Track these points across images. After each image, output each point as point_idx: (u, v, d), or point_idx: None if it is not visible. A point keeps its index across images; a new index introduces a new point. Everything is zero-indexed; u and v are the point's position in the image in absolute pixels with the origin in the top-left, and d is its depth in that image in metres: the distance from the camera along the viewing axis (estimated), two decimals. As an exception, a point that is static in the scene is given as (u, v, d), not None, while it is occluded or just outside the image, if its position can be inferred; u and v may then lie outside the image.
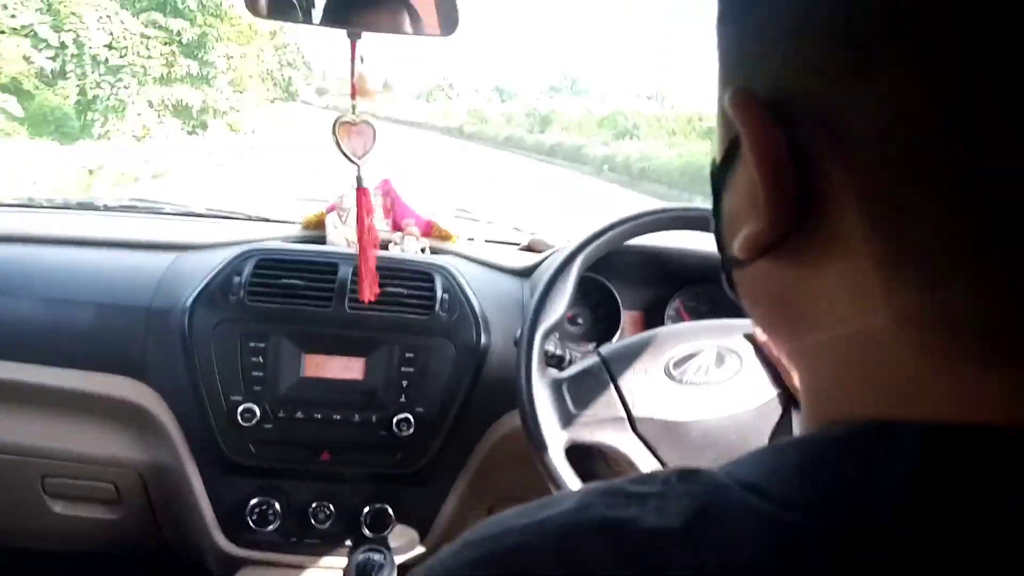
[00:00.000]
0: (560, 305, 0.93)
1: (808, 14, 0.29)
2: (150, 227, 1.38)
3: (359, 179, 1.13)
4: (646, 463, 0.88)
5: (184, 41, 15.11)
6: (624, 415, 0.89)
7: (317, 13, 1.01)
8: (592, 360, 0.94)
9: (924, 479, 0.25)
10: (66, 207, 1.52)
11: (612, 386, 0.91)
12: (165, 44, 14.78)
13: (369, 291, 1.11)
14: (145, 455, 1.21)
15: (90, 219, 1.41)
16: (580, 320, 1.32)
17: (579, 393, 0.91)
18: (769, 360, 0.91)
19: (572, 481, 0.86)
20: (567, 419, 0.89)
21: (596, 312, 1.32)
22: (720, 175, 0.35)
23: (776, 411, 0.91)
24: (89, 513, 1.28)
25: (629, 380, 0.91)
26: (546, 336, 0.93)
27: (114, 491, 1.25)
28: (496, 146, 26.16)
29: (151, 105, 14.65)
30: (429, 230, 1.46)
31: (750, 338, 0.93)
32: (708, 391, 0.91)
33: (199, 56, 15.51)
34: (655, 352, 0.93)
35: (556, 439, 0.88)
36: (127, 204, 1.51)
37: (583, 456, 0.91)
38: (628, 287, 1.30)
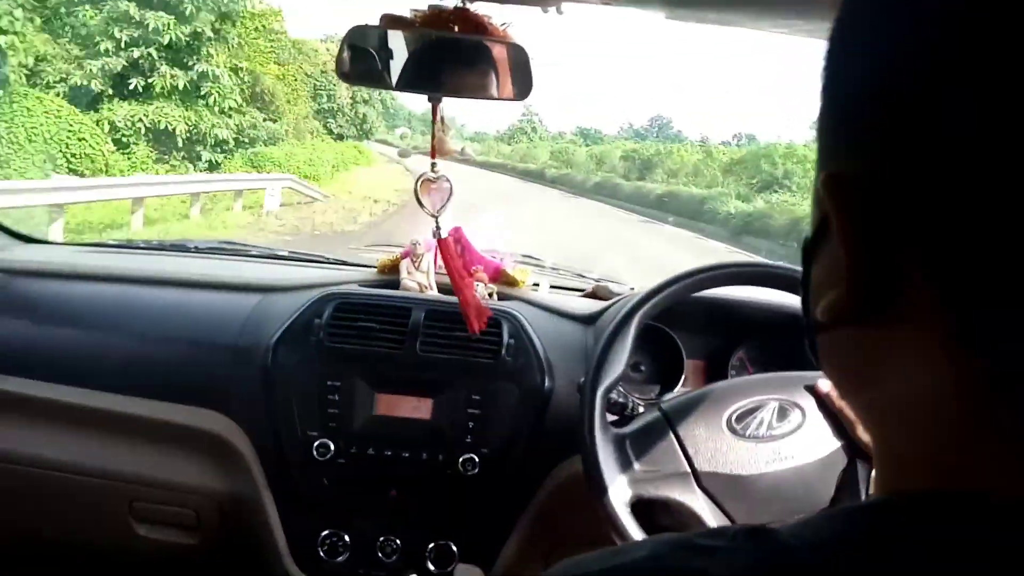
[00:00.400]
0: (621, 359, 0.96)
1: (888, 116, 0.31)
2: (237, 269, 1.48)
3: (437, 232, 1.21)
4: (712, 517, 0.89)
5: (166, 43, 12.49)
6: (688, 470, 0.91)
7: (401, 80, 1.10)
8: (654, 415, 0.97)
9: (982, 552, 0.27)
10: (160, 248, 1.64)
11: (675, 441, 0.93)
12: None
13: (476, 323, 1.17)
14: (225, 485, 1.28)
15: (182, 260, 1.52)
16: (643, 367, 1.35)
17: (642, 448, 0.93)
18: (832, 411, 0.92)
19: (636, 535, 0.88)
20: (631, 475, 0.92)
21: (658, 360, 1.34)
22: (811, 247, 0.38)
23: (841, 462, 0.92)
24: (171, 537, 1.36)
25: (692, 435, 0.93)
26: (608, 391, 0.96)
27: (194, 518, 1.32)
28: (583, 192, 23.33)
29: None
30: (497, 276, 1.51)
31: (811, 390, 0.95)
32: (771, 445, 0.92)
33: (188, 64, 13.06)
34: (716, 406, 0.95)
35: (620, 495, 0.90)
36: (216, 246, 1.63)
37: (647, 509, 0.93)
38: (691, 336, 1.32)
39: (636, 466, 0.93)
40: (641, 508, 0.92)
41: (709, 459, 0.91)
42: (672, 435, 0.94)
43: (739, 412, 0.95)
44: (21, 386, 1.29)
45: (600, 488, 0.91)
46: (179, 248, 1.62)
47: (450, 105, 1.13)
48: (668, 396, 1.12)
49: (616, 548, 0.37)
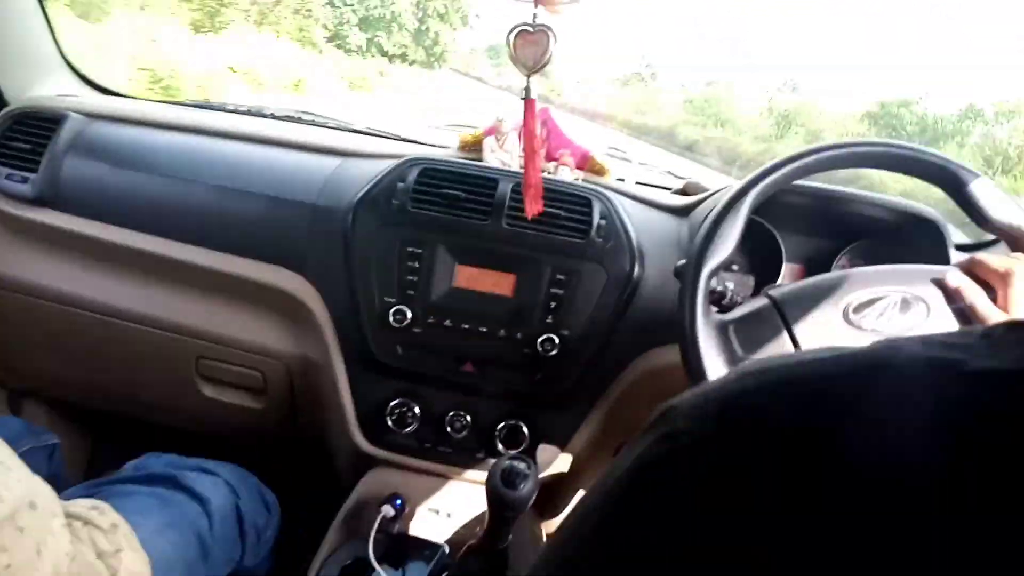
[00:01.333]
0: (729, 242, 0.88)
1: None
2: (316, 134, 1.42)
3: (527, 90, 1.11)
4: None
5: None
6: None
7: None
8: (762, 302, 0.89)
9: None
10: (236, 111, 1.59)
11: (785, 330, 0.85)
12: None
13: (532, 206, 1.10)
14: (295, 347, 1.26)
15: (261, 122, 1.47)
16: (735, 266, 1.26)
17: (748, 336, 0.86)
18: (961, 308, 0.83)
19: None
20: (734, 363, 0.84)
21: (753, 259, 1.26)
22: None
23: None
24: (236, 400, 1.35)
25: (804, 324, 0.85)
26: (713, 273, 0.88)
27: (261, 380, 1.31)
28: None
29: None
30: (583, 163, 1.43)
31: (939, 284, 0.85)
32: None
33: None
34: (832, 296, 0.87)
35: None
36: (293, 114, 1.57)
37: None
38: (791, 236, 1.22)
39: (740, 353, 0.85)
40: None
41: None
42: (782, 323, 0.86)
43: (857, 303, 0.86)
44: (95, 229, 1.28)
45: (700, 375, 0.84)
46: (255, 112, 1.57)
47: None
48: (774, 285, 1.03)
49: (835, 347, 0.31)
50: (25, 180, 1.29)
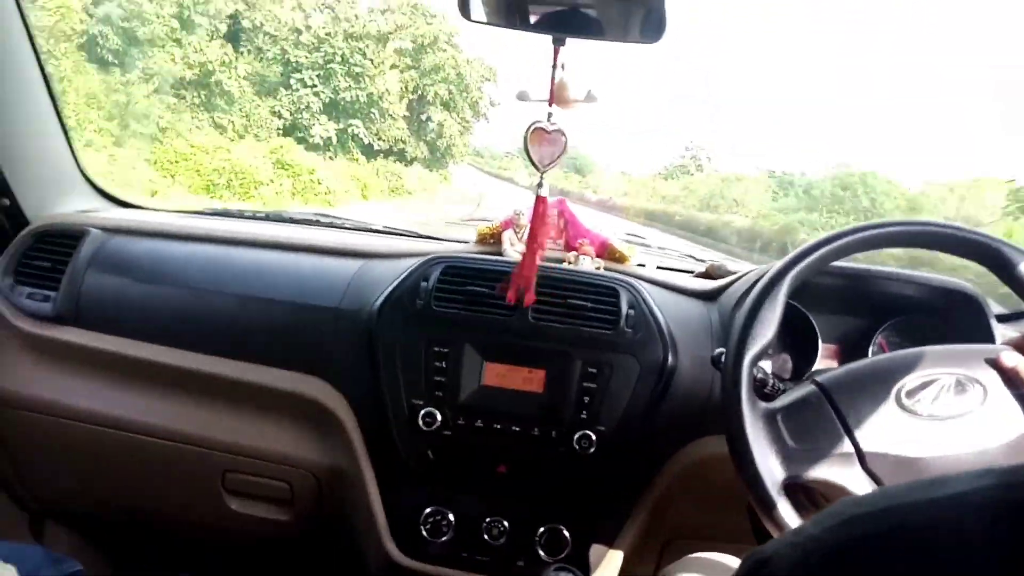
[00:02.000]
0: (770, 328, 0.85)
1: None
2: (335, 236, 1.43)
3: (540, 186, 1.12)
4: None
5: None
6: (852, 450, 0.79)
7: (524, 18, 1.02)
8: (808, 388, 0.85)
9: None
10: (255, 217, 1.60)
11: (835, 417, 0.81)
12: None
13: (515, 293, 1.08)
14: (322, 456, 1.22)
15: (279, 228, 1.48)
16: (770, 350, 1.23)
17: (797, 425, 0.82)
18: (1020, 388, 0.79)
19: (792, 521, 0.77)
20: (785, 453, 0.80)
21: (787, 341, 1.22)
22: None
23: None
24: (263, 512, 1.30)
25: (855, 410, 0.81)
26: (756, 361, 0.85)
27: (288, 491, 1.26)
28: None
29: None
30: (603, 251, 1.42)
31: (994, 364, 0.82)
32: (949, 424, 0.80)
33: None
34: (883, 379, 0.83)
35: (773, 474, 0.79)
36: (311, 217, 1.58)
37: (799, 493, 0.82)
38: (824, 316, 1.20)
39: (790, 443, 0.81)
40: (793, 492, 0.80)
41: (876, 438, 0.79)
42: (832, 410, 0.82)
43: (910, 387, 0.82)
44: (117, 345, 1.26)
45: (750, 466, 0.79)
46: (275, 217, 1.58)
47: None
48: (819, 370, 0.99)
49: (937, 478, 0.29)
50: (47, 299, 1.29)
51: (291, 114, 15.44)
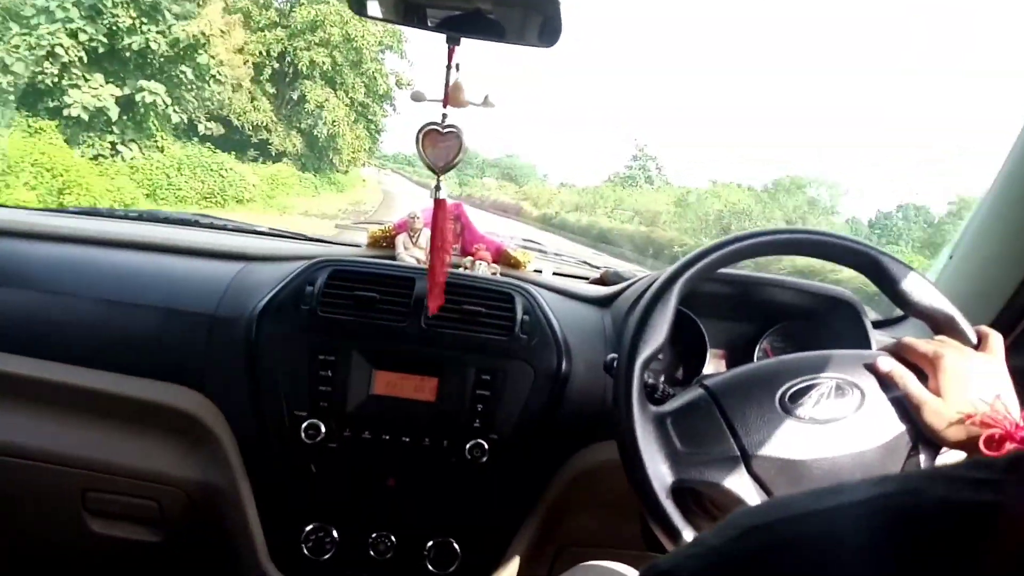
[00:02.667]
0: (661, 331, 0.85)
1: None
2: (215, 238, 1.34)
3: (437, 189, 1.08)
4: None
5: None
6: (738, 453, 0.80)
7: (416, 15, 0.99)
8: (697, 392, 0.86)
9: None
10: (126, 217, 1.49)
11: (723, 421, 0.82)
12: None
13: (435, 301, 1.05)
14: (195, 472, 1.14)
15: (153, 228, 1.38)
16: (660, 356, 1.24)
17: (686, 428, 0.82)
18: (896, 392, 0.83)
19: (679, 523, 0.77)
20: (674, 457, 0.80)
21: (676, 348, 1.24)
22: None
23: (905, 447, 0.82)
24: (128, 534, 1.20)
25: (741, 414, 0.82)
26: (647, 363, 0.85)
27: (157, 510, 1.17)
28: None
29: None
30: (499, 257, 1.40)
31: (871, 369, 0.85)
32: (829, 427, 0.82)
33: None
34: (767, 384, 0.85)
35: (662, 478, 0.79)
36: (189, 217, 1.48)
37: (687, 495, 0.82)
38: (712, 323, 1.22)
39: (679, 447, 0.81)
40: (681, 495, 0.80)
41: (761, 442, 0.80)
42: (719, 414, 0.83)
43: (793, 390, 0.84)
44: None
45: (639, 469, 0.79)
46: (149, 217, 1.47)
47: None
48: (707, 375, 1.01)
49: (834, 486, 0.28)
50: None
51: (27, 66, 9.25)
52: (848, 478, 0.79)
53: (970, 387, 0.77)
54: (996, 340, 0.83)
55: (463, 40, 0.99)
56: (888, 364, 0.82)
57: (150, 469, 1.15)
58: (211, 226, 1.46)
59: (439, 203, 1.09)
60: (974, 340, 0.83)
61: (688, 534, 0.77)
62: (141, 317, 1.13)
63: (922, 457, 0.82)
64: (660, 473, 0.79)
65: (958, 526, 0.24)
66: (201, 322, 1.12)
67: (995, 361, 0.81)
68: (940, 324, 0.85)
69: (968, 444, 0.75)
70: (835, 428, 0.82)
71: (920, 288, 0.85)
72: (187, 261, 1.23)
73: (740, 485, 0.79)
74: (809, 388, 0.84)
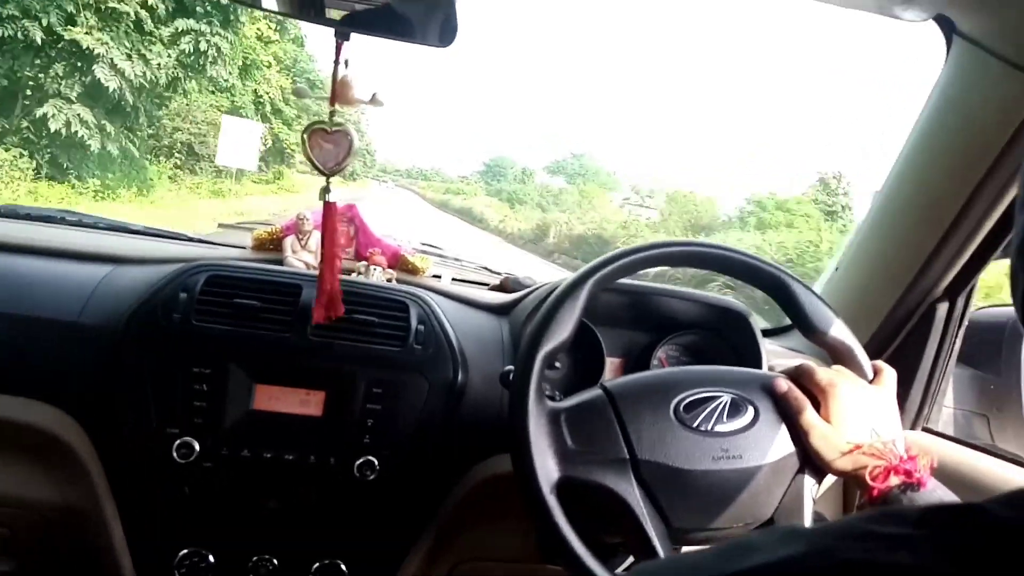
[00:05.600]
0: (566, 328, 0.83)
1: None
2: (82, 238, 1.22)
3: (325, 191, 1.02)
4: (645, 510, 0.78)
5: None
6: (627, 456, 0.79)
7: (318, 10, 0.93)
8: (595, 393, 0.85)
9: None
10: None
11: (616, 423, 0.81)
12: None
13: (321, 311, 0.99)
14: (52, 494, 1.03)
15: (11, 226, 1.25)
16: (557, 364, 1.23)
17: (579, 427, 0.81)
18: (789, 416, 0.84)
19: (561, 520, 0.76)
20: (563, 453, 0.79)
21: (575, 356, 1.23)
22: None
23: (792, 469, 0.83)
24: None
25: (635, 418, 0.81)
26: (548, 360, 0.83)
27: (8, 536, 1.06)
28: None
29: None
30: (395, 261, 1.35)
31: (769, 389, 0.86)
32: (719, 441, 0.82)
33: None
34: (665, 392, 0.84)
35: (549, 473, 0.78)
36: (53, 214, 1.35)
37: (572, 493, 0.80)
38: (609, 331, 1.21)
39: (570, 444, 0.80)
40: (566, 492, 0.78)
41: (651, 447, 0.80)
42: (614, 415, 0.82)
43: (689, 401, 0.84)
44: None
45: (527, 462, 0.77)
46: (7, 213, 1.33)
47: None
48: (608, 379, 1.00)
49: (733, 544, 0.26)
50: None
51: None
52: (732, 494, 0.80)
53: (860, 418, 0.79)
54: (889, 375, 0.85)
55: (355, 36, 0.95)
56: (785, 386, 0.84)
57: (0, 492, 1.03)
58: (79, 224, 1.34)
59: (329, 207, 1.03)
60: (870, 374, 0.86)
61: (567, 531, 0.75)
62: None
63: (807, 480, 0.84)
64: (547, 467, 0.78)
65: None
66: (61, 331, 1.01)
67: (886, 395, 0.83)
68: (840, 354, 0.87)
69: (854, 474, 0.77)
70: (725, 441, 0.82)
71: (824, 317, 0.87)
72: (48, 263, 1.11)
73: (625, 488, 0.79)
74: (705, 400, 0.85)
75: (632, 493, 0.78)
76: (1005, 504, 0.25)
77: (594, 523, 0.81)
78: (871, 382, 0.84)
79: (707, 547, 0.28)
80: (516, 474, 0.78)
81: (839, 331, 0.87)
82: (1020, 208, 0.35)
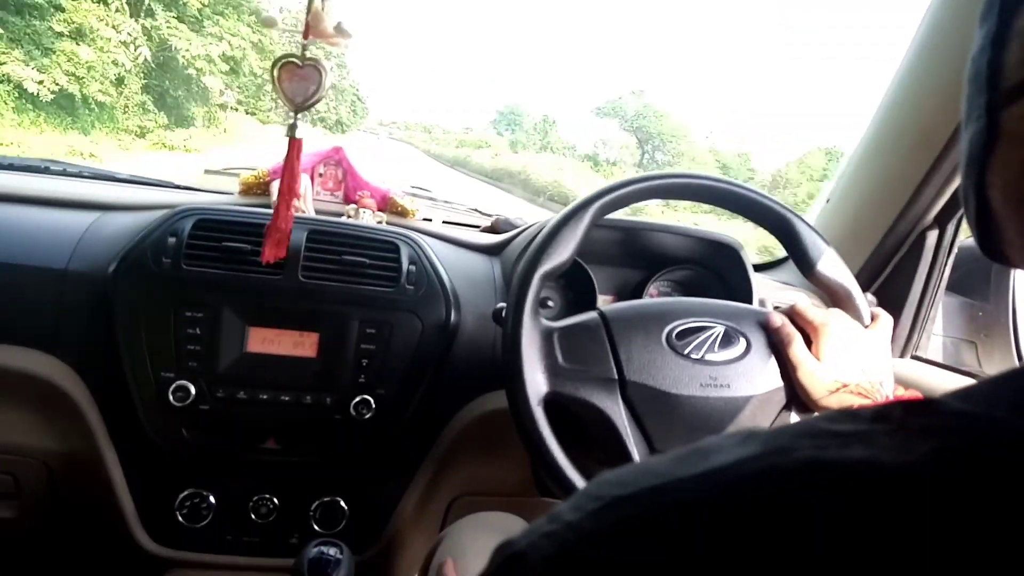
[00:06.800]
0: (567, 248, 0.83)
1: None
2: (67, 186, 1.21)
3: (293, 127, 1.00)
4: (628, 430, 0.79)
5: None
6: (616, 377, 0.80)
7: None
8: (590, 315, 0.85)
9: None
10: None
11: (608, 345, 0.82)
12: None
13: (272, 250, 0.98)
14: (53, 441, 1.04)
15: None
16: (551, 303, 1.23)
17: (571, 346, 0.81)
18: (779, 349, 0.84)
19: (547, 434, 0.77)
20: (553, 370, 0.80)
21: (567, 295, 1.23)
22: None
23: (778, 404, 0.83)
24: None
25: (627, 341, 0.82)
26: (548, 277, 0.83)
27: (12, 483, 1.07)
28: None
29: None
30: (384, 204, 1.34)
31: (763, 323, 0.86)
32: (709, 369, 0.83)
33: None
34: (659, 319, 0.85)
35: (537, 387, 0.78)
36: (37, 164, 1.33)
37: (559, 410, 0.81)
38: (601, 269, 1.22)
39: (560, 360, 0.81)
40: (554, 407, 0.80)
41: (640, 369, 0.81)
42: (606, 337, 0.82)
43: (681, 329, 0.85)
44: None
45: (517, 376, 0.78)
46: None
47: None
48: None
49: (694, 448, 0.27)
50: None
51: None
52: (716, 421, 0.81)
53: (850, 357, 0.79)
54: (885, 321, 0.85)
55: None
56: (779, 321, 0.84)
57: (1, 440, 1.04)
58: (63, 173, 1.32)
59: (293, 143, 1.01)
60: (867, 319, 0.85)
61: (552, 444, 0.76)
62: None
63: (793, 417, 0.85)
64: (536, 382, 0.79)
65: (828, 489, 0.22)
66: (50, 279, 1.01)
67: (880, 339, 0.83)
68: (839, 297, 0.87)
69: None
70: (714, 370, 0.83)
71: (827, 258, 0.86)
72: (34, 211, 1.10)
73: (611, 407, 0.80)
74: (698, 330, 0.85)
75: (618, 412, 0.79)
76: (960, 398, 0.25)
77: (580, 446, 0.82)
78: (866, 327, 0.84)
79: (667, 453, 0.28)
80: (506, 387, 0.79)
81: (840, 274, 0.86)
82: (966, 122, 0.33)
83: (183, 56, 13.21)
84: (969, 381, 1.11)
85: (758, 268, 1.41)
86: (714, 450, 0.26)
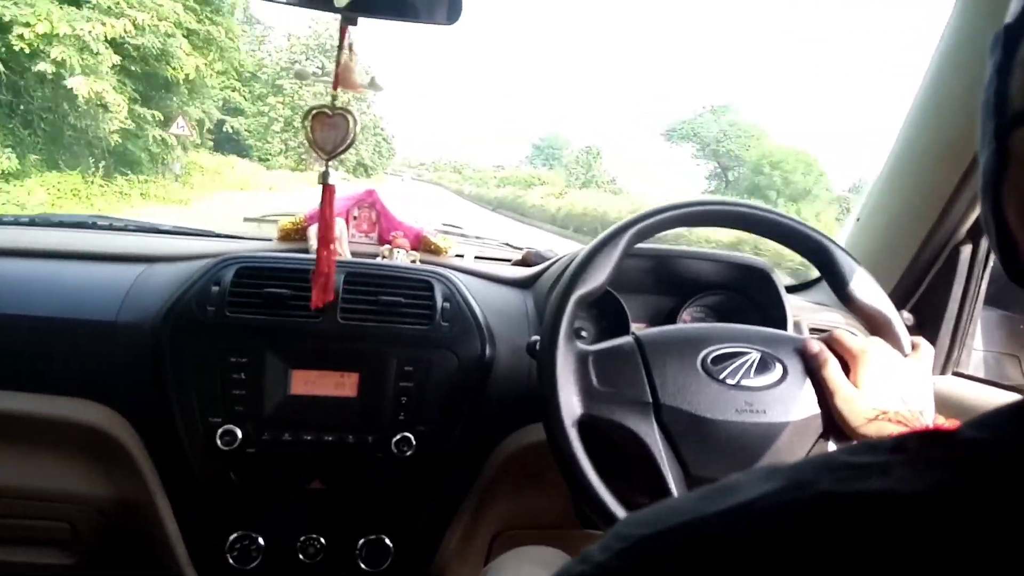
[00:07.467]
0: (603, 273, 0.84)
1: None
2: (113, 241, 1.26)
3: (325, 175, 1.04)
4: (663, 455, 0.79)
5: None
6: (650, 400, 0.80)
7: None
8: (625, 339, 0.86)
9: None
10: (16, 223, 1.39)
11: (643, 369, 0.82)
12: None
13: (321, 295, 1.01)
14: (107, 489, 1.08)
15: (45, 234, 1.29)
16: (584, 333, 1.24)
17: (605, 369, 0.82)
18: (816, 375, 0.84)
19: (580, 455, 0.77)
20: (588, 392, 0.81)
21: (600, 325, 1.24)
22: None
23: (815, 432, 0.82)
24: (39, 558, 1.13)
25: (661, 365, 0.82)
26: (581, 304, 0.84)
27: (70, 531, 1.11)
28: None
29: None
30: (418, 243, 1.38)
31: (801, 349, 0.86)
32: (744, 394, 0.83)
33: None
34: (694, 344, 0.85)
35: (572, 409, 0.79)
36: (85, 220, 1.39)
37: (594, 434, 0.81)
38: (633, 297, 1.22)
39: (595, 383, 0.81)
40: (588, 431, 0.80)
41: (674, 393, 0.81)
42: (640, 361, 0.83)
43: (717, 354, 0.85)
44: None
45: (552, 398, 0.79)
46: (41, 222, 1.37)
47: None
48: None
49: (718, 486, 0.28)
50: None
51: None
52: (752, 448, 0.81)
53: (889, 385, 0.78)
54: (927, 350, 0.84)
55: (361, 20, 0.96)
56: (817, 347, 0.83)
57: (57, 490, 1.08)
58: (109, 227, 1.38)
59: (327, 189, 1.04)
60: (908, 349, 0.84)
61: (585, 465, 0.77)
62: (35, 330, 1.05)
63: (830, 446, 0.84)
64: (571, 403, 0.80)
65: (845, 522, 0.23)
66: (101, 331, 1.05)
67: (921, 368, 0.82)
68: (878, 324, 0.86)
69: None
70: (750, 396, 0.83)
71: (866, 286, 0.86)
72: (83, 266, 1.15)
73: (646, 431, 0.80)
74: (734, 356, 0.85)
75: (652, 436, 0.79)
76: (976, 426, 0.26)
77: (620, 476, 0.82)
78: (906, 355, 0.83)
79: (692, 492, 0.29)
80: (541, 409, 0.80)
81: (879, 302, 0.86)
82: (981, 148, 0.35)
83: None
84: (1013, 396, 1.10)
85: (791, 289, 1.41)
86: (737, 487, 0.27)
